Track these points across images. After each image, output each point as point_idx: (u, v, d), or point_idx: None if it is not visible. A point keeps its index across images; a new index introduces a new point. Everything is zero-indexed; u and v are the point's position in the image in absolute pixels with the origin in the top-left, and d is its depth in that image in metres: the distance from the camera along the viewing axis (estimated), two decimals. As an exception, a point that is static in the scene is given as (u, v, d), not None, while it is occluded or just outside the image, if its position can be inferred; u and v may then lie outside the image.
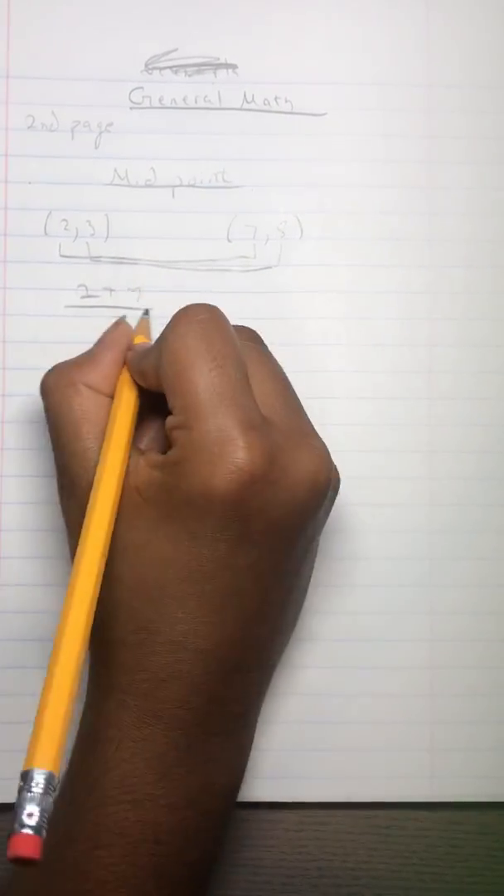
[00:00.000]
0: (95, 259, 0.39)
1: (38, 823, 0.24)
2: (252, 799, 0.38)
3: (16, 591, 0.38)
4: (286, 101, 0.39)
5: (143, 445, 0.34)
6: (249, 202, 0.39)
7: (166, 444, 0.32)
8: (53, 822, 0.29)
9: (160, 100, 0.39)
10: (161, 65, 0.39)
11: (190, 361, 0.31)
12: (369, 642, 0.39)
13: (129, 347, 0.36)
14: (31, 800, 0.25)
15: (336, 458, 0.38)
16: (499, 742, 0.38)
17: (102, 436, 0.33)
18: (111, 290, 0.39)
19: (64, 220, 0.39)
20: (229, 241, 0.39)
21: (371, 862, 0.38)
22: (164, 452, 0.32)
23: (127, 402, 0.34)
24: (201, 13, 0.40)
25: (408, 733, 0.38)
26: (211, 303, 0.33)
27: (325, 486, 0.32)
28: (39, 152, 0.39)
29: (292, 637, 0.38)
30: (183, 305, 0.33)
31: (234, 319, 0.39)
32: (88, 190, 0.39)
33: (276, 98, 0.39)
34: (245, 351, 0.33)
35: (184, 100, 0.39)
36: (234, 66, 0.39)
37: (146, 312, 0.39)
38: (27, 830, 0.24)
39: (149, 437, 0.34)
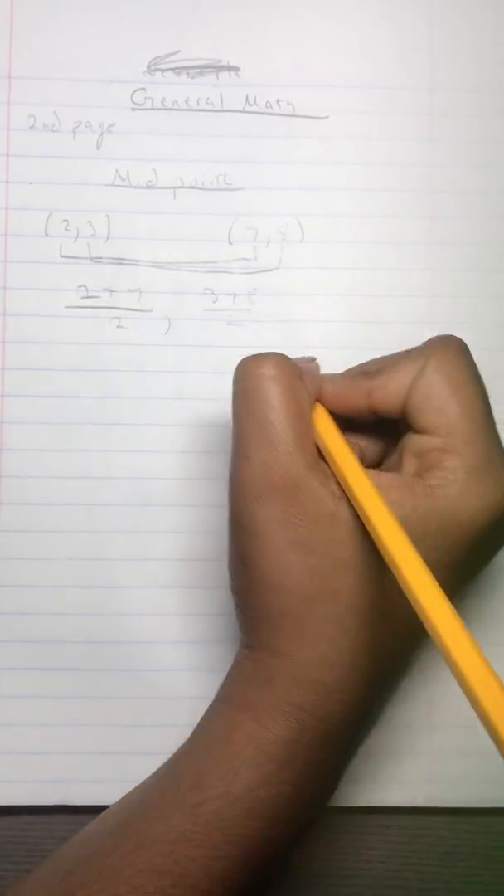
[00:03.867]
0: (96, 260, 0.39)
1: None
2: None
3: (16, 592, 0.38)
4: (288, 104, 0.40)
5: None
6: (251, 204, 0.39)
7: (397, 464, 0.32)
8: (169, 806, 0.29)
9: (162, 101, 0.39)
10: (163, 66, 0.39)
11: (464, 386, 0.31)
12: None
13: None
14: None
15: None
16: (497, 744, 0.39)
17: (311, 439, 0.31)
18: (111, 291, 0.39)
19: (65, 220, 0.39)
20: (230, 243, 0.39)
21: (371, 862, 0.38)
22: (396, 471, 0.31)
23: (337, 431, 0.32)
24: (204, 15, 0.39)
25: (406, 737, 0.38)
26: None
27: None
28: (41, 153, 0.39)
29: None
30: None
31: (233, 321, 0.39)
32: (89, 190, 0.39)
33: (277, 101, 0.40)
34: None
35: (186, 101, 0.39)
36: (236, 69, 0.39)
37: (313, 360, 0.36)
38: None
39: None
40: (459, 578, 0.32)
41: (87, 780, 0.38)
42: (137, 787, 0.33)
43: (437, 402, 0.31)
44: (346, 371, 0.35)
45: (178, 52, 0.39)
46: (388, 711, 0.38)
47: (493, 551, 0.33)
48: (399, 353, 0.33)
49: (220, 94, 0.39)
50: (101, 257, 0.39)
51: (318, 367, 0.34)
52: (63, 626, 0.38)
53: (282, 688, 0.30)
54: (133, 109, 0.39)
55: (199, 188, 0.39)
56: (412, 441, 0.31)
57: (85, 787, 0.38)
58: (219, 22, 0.40)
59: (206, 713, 0.33)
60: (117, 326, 0.39)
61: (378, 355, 0.39)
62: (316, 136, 0.40)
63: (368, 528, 0.29)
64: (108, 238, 0.39)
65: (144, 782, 0.32)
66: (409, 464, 0.32)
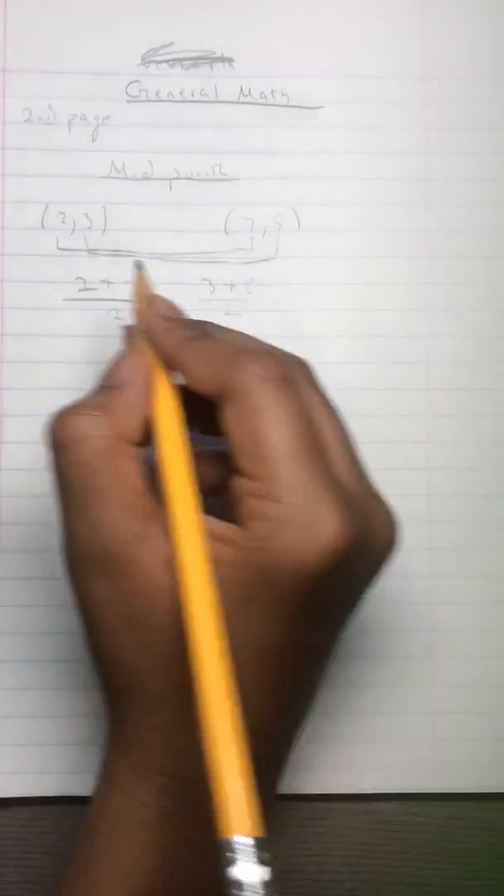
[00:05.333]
0: (93, 252, 0.39)
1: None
2: (251, 792, 0.38)
3: (12, 584, 0.38)
4: (282, 95, 0.40)
5: None
6: (247, 195, 0.39)
7: (227, 506, 0.29)
8: None
9: (157, 93, 0.39)
10: (158, 58, 0.39)
11: (271, 422, 0.28)
12: (369, 632, 0.38)
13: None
14: (250, 873, 0.22)
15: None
16: (500, 732, 0.38)
17: (139, 500, 0.29)
18: (109, 283, 0.39)
19: (61, 213, 0.39)
20: (226, 233, 0.39)
21: (370, 857, 0.38)
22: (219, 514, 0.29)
23: (181, 451, 0.29)
24: (198, 7, 0.40)
25: (409, 724, 0.38)
26: (302, 357, 0.31)
27: (395, 550, 0.31)
28: (36, 145, 0.39)
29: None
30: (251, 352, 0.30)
31: (231, 311, 0.39)
32: (86, 183, 0.39)
33: (272, 91, 0.40)
34: (317, 409, 0.30)
35: (180, 93, 0.40)
36: (230, 60, 0.40)
37: (138, 265, 0.35)
38: None
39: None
40: (320, 624, 0.30)
41: (88, 770, 0.37)
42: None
43: (246, 440, 0.28)
44: (176, 324, 0.31)
45: (172, 43, 0.40)
46: (389, 699, 0.38)
47: (356, 590, 0.31)
48: (217, 342, 0.30)
49: (215, 86, 0.40)
50: (98, 249, 0.39)
51: (144, 361, 0.31)
52: (62, 617, 0.38)
53: (136, 756, 0.30)
54: (128, 102, 0.39)
55: (195, 179, 0.39)
56: (233, 483, 0.29)
57: (86, 778, 0.37)
58: (212, 13, 0.40)
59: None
60: (115, 318, 0.39)
61: (377, 343, 0.39)
62: (310, 125, 0.40)
63: (183, 605, 0.27)
64: (104, 230, 0.39)
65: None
66: (232, 509, 0.29)
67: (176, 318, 0.32)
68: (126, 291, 0.39)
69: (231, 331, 0.32)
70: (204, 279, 0.39)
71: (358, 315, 0.39)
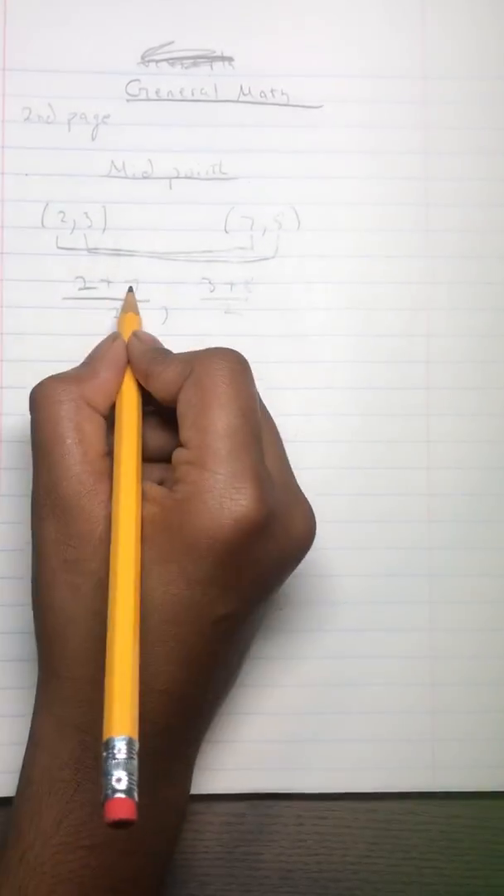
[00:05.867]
0: (93, 251, 0.39)
1: (128, 786, 0.25)
2: (253, 791, 0.38)
3: (11, 583, 0.38)
4: (282, 94, 0.40)
5: None
6: (246, 194, 0.39)
7: (164, 474, 0.33)
8: (4, 873, 0.29)
9: (157, 92, 0.39)
10: (157, 57, 0.40)
11: (219, 402, 0.31)
12: (369, 631, 0.38)
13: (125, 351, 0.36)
14: (117, 765, 0.25)
15: (333, 449, 0.38)
16: (500, 732, 0.38)
17: (97, 459, 0.32)
18: (109, 282, 0.39)
19: (61, 211, 0.39)
20: (227, 232, 0.39)
21: (370, 856, 0.38)
22: (159, 483, 0.32)
23: (135, 428, 0.33)
24: (197, 6, 0.40)
25: (409, 723, 0.38)
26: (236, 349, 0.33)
27: (310, 546, 0.33)
28: (36, 144, 0.39)
29: (292, 628, 0.38)
30: (209, 345, 0.34)
31: (231, 310, 0.39)
32: (85, 182, 0.39)
33: (272, 90, 0.40)
34: (260, 405, 0.33)
35: (180, 92, 0.40)
36: (230, 59, 0.40)
37: (131, 289, 0.39)
38: (120, 794, 0.24)
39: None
40: (235, 596, 0.31)
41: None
42: None
43: (191, 415, 0.32)
44: (150, 347, 0.35)
45: (172, 42, 0.40)
46: (389, 698, 0.38)
47: (273, 571, 0.33)
48: (183, 353, 0.34)
49: (215, 85, 0.40)
50: (97, 248, 0.39)
51: (122, 347, 0.35)
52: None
53: (59, 710, 0.31)
54: (128, 100, 0.39)
55: (195, 178, 0.39)
56: (174, 453, 0.32)
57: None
58: (212, 12, 0.40)
59: None
60: (115, 317, 0.39)
61: (376, 342, 0.39)
62: (310, 125, 0.40)
63: (111, 546, 0.30)
64: (104, 229, 0.39)
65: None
66: (167, 475, 0.32)
67: (150, 346, 0.36)
68: (125, 290, 0.39)
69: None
70: (204, 278, 0.39)
71: (357, 314, 0.39)
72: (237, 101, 0.40)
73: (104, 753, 0.25)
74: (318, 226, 0.39)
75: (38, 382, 0.33)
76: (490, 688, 0.38)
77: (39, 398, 0.33)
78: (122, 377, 0.35)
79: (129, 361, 0.35)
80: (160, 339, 0.38)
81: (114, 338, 0.36)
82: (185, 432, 0.32)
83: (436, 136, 0.40)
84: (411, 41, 0.40)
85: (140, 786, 0.25)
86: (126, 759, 0.25)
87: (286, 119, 0.40)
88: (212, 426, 0.31)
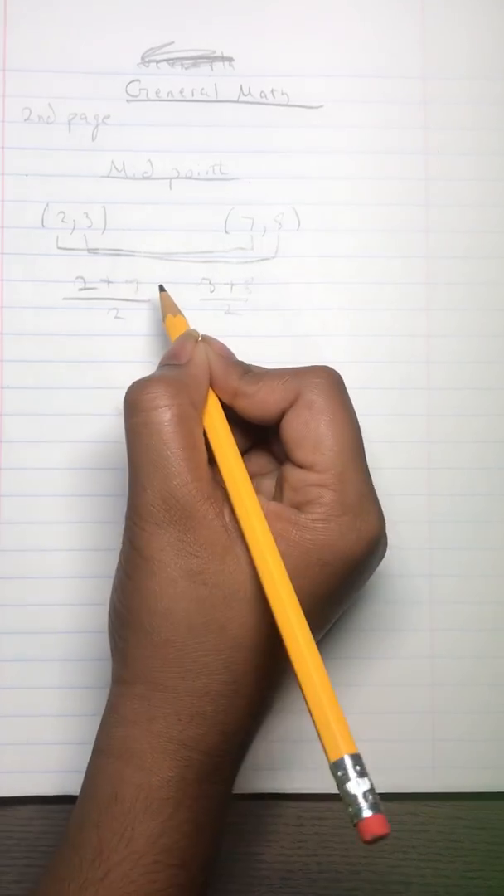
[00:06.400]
0: (93, 251, 0.39)
1: (374, 801, 0.25)
2: (253, 791, 0.38)
3: (17, 584, 0.38)
4: (282, 94, 0.40)
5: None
6: (247, 194, 0.39)
7: (269, 489, 0.34)
8: (77, 889, 0.29)
9: (157, 92, 0.39)
10: (157, 58, 0.39)
11: (338, 424, 0.32)
12: (370, 632, 0.38)
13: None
14: (357, 784, 0.26)
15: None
16: (500, 732, 0.38)
17: (207, 466, 0.32)
18: (109, 282, 0.39)
19: (61, 212, 0.39)
20: (227, 232, 0.39)
21: (370, 856, 0.38)
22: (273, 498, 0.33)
23: (232, 438, 0.33)
24: (197, 6, 0.40)
25: (409, 724, 0.38)
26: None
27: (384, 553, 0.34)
28: (36, 145, 0.39)
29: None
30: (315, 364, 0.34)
31: (231, 310, 0.39)
32: (85, 182, 0.39)
33: (272, 90, 0.40)
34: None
35: (180, 92, 0.40)
36: (230, 59, 0.40)
37: (162, 288, 0.38)
38: (370, 811, 0.25)
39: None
40: (337, 608, 0.33)
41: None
42: (52, 861, 0.31)
43: (312, 439, 0.32)
44: (231, 361, 0.34)
45: (172, 43, 0.40)
46: (389, 698, 0.38)
47: (365, 579, 0.34)
48: (275, 371, 0.34)
49: (215, 85, 0.40)
50: (97, 249, 0.39)
51: (205, 357, 0.34)
52: (61, 617, 0.38)
53: (163, 725, 0.30)
54: (128, 101, 0.39)
55: (195, 178, 0.39)
56: (291, 473, 0.32)
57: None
58: (212, 13, 0.40)
59: (88, 769, 0.32)
60: (115, 317, 0.39)
61: (377, 342, 0.39)
62: (310, 125, 0.40)
63: (253, 560, 0.30)
64: (104, 229, 0.39)
65: (56, 853, 0.31)
66: (289, 495, 0.32)
67: (227, 358, 0.35)
68: (125, 290, 0.39)
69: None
70: (204, 278, 0.39)
71: (358, 314, 0.39)
72: (237, 102, 0.40)
73: (338, 773, 0.26)
74: (318, 226, 0.39)
75: (133, 385, 0.32)
76: (490, 688, 0.38)
77: (143, 402, 0.31)
78: (209, 370, 0.34)
79: (214, 378, 0.34)
80: (158, 339, 0.38)
81: (194, 339, 0.34)
82: (309, 455, 0.32)
83: (436, 137, 0.40)
84: (411, 41, 0.40)
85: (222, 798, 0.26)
86: (359, 774, 0.26)
87: (286, 119, 0.40)
88: (338, 448, 0.32)
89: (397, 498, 0.39)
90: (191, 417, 0.32)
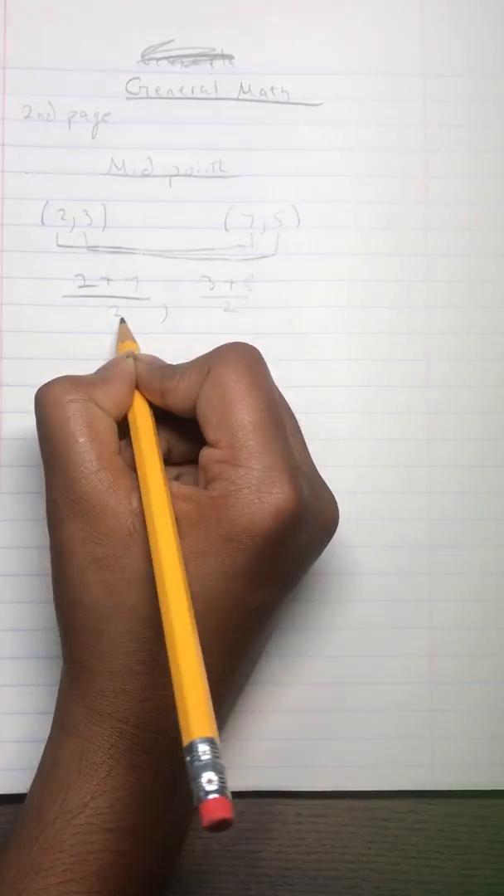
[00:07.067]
0: (93, 249, 0.39)
1: (220, 786, 0.24)
2: (253, 788, 0.38)
3: (17, 581, 0.38)
4: (282, 91, 0.40)
5: None
6: (246, 191, 0.39)
7: (186, 475, 0.34)
8: (15, 850, 0.29)
9: (157, 90, 0.39)
10: (157, 55, 0.40)
11: (242, 398, 0.32)
12: (369, 630, 0.38)
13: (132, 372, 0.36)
14: (205, 767, 0.24)
15: (334, 447, 0.38)
16: (499, 730, 0.38)
17: (112, 456, 0.32)
18: (108, 280, 0.39)
19: (61, 209, 0.39)
20: (226, 230, 0.39)
21: (369, 855, 0.38)
22: (191, 482, 0.33)
23: (151, 431, 0.34)
24: (198, 4, 0.40)
25: (408, 722, 0.38)
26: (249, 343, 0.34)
27: (334, 532, 0.34)
28: (36, 142, 0.39)
29: (291, 626, 0.38)
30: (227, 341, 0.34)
31: (230, 308, 0.39)
32: (85, 180, 0.39)
33: (272, 88, 0.40)
34: (279, 396, 0.34)
35: (180, 90, 0.40)
36: (230, 57, 0.40)
37: (122, 320, 0.39)
38: (214, 794, 0.24)
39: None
40: (271, 586, 0.32)
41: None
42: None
43: (216, 415, 0.32)
44: (156, 365, 0.35)
45: (172, 41, 0.40)
46: (388, 697, 0.38)
47: (303, 559, 0.34)
48: (194, 359, 0.34)
49: (215, 83, 0.40)
50: (97, 246, 0.39)
51: (130, 365, 0.35)
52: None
53: (90, 699, 0.32)
54: (128, 99, 0.39)
55: (195, 176, 0.39)
56: (203, 453, 0.32)
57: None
58: (212, 10, 0.40)
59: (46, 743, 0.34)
60: (115, 315, 0.39)
61: (375, 341, 0.39)
62: (310, 122, 0.40)
63: (150, 542, 0.30)
64: (104, 227, 0.39)
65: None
66: (201, 476, 0.32)
67: (153, 365, 0.36)
68: (125, 288, 0.39)
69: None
70: (204, 276, 0.39)
71: (357, 312, 0.39)
72: (237, 99, 0.40)
73: (187, 758, 0.25)
74: (317, 223, 0.39)
75: (44, 383, 0.33)
76: (489, 686, 0.38)
77: (47, 397, 0.33)
78: (133, 392, 0.34)
79: (138, 384, 0.35)
80: (158, 337, 0.38)
81: (124, 356, 0.36)
82: (213, 432, 0.32)
83: (435, 134, 0.40)
84: (411, 39, 0.40)
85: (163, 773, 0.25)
86: (212, 759, 0.24)
87: (286, 117, 0.40)
88: (239, 423, 0.31)
89: (397, 496, 0.39)
90: (93, 412, 0.32)
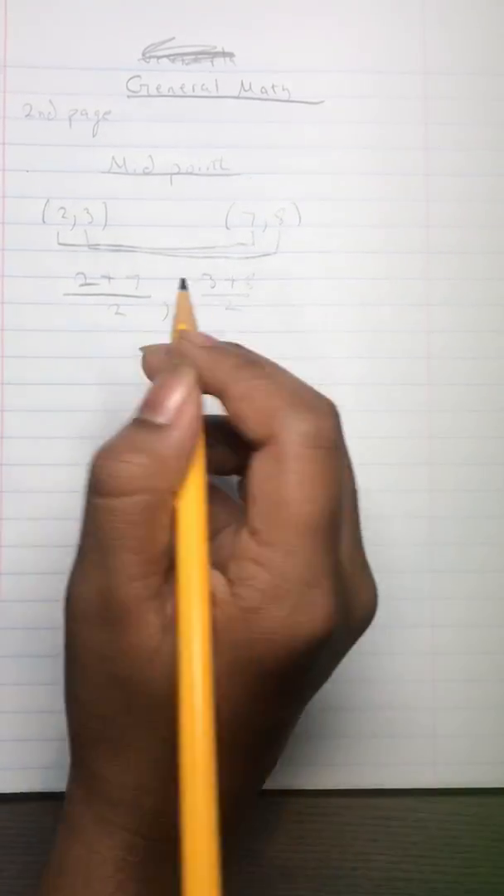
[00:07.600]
0: (94, 247, 0.39)
1: None
2: (253, 787, 0.38)
3: (19, 579, 0.38)
4: (283, 90, 0.40)
5: None
6: (247, 189, 0.39)
7: (220, 557, 0.28)
8: None
9: (157, 88, 0.39)
10: (158, 53, 0.39)
11: (303, 492, 0.26)
12: (371, 628, 0.38)
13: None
14: None
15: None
16: (501, 728, 0.38)
17: (162, 558, 0.27)
18: (110, 278, 0.39)
19: (62, 208, 0.39)
20: (228, 228, 0.39)
21: (370, 853, 0.38)
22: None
23: (203, 524, 0.27)
24: (198, 2, 0.40)
25: (410, 720, 0.38)
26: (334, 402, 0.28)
27: (366, 628, 0.30)
28: (37, 140, 0.39)
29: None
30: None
31: (232, 306, 0.39)
32: (86, 178, 0.39)
33: (273, 86, 0.40)
34: (345, 477, 0.29)
35: (181, 88, 0.40)
36: (231, 55, 0.40)
37: (184, 284, 0.32)
38: None
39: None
40: (293, 703, 0.29)
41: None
42: None
43: (266, 501, 0.26)
44: (227, 351, 0.29)
45: (173, 38, 0.40)
46: (390, 695, 0.38)
47: (329, 667, 0.30)
48: (267, 379, 0.28)
49: (216, 81, 0.40)
50: (98, 244, 0.39)
51: (198, 400, 0.27)
52: (61, 613, 0.38)
53: (100, 808, 0.29)
54: (129, 97, 0.39)
55: (196, 174, 0.39)
56: (238, 536, 0.27)
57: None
58: (213, 8, 0.40)
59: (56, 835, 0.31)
60: (116, 313, 0.39)
61: (377, 338, 0.39)
62: (311, 120, 0.40)
63: (181, 663, 0.25)
64: (105, 225, 0.39)
65: None
66: (231, 565, 0.27)
67: (215, 347, 0.29)
68: (126, 286, 0.39)
69: (269, 361, 0.30)
70: (205, 274, 0.39)
71: (358, 310, 0.39)
72: (238, 97, 0.40)
73: None
74: (318, 221, 0.39)
75: (98, 455, 0.27)
76: (491, 685, 0.38)
77: (110, 484, 0.26)
78: (199, 429, 0.27)
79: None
80: (159, 335, 0.38)
81: (170, 370, 0.28)
82: (257, 520, 0.26)
83: (436, 132, 0.40)
84: (412, 37, 0.40)
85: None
86: None
87: (287, 115, 0.40)
88: (291, 523, 0.26)
89: (398, 494, 0.39)
90: (162, 506, 0.26)
